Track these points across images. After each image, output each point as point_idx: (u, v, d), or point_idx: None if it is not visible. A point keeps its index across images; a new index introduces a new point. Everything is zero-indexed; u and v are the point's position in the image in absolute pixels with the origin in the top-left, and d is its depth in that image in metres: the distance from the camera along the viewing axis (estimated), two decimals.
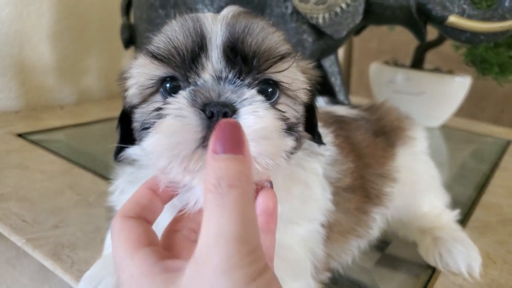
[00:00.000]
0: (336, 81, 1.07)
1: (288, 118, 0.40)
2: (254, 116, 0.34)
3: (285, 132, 0.38)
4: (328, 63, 1.06)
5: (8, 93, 1.24)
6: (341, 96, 1.08)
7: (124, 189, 0.48)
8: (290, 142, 0.38)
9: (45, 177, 0.79)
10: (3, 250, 0.63)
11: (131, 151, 0.44)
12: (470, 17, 0.88)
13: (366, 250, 0.62)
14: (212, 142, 0.29)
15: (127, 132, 0.44)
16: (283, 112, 0.39)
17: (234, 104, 0.35)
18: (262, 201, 0.36)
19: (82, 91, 1.46)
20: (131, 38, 1.09)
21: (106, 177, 0.80)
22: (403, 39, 1.39)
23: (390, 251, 0.66)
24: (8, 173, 0.79)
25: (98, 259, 0.47)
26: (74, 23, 1.38)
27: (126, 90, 0.43)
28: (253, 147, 0.34)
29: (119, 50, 1.37)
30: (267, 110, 0.35)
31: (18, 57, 1.25)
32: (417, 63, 1.40)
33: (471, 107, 1.74)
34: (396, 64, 1.47)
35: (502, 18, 0.87)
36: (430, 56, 1.43)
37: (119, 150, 0.45)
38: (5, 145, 0.94)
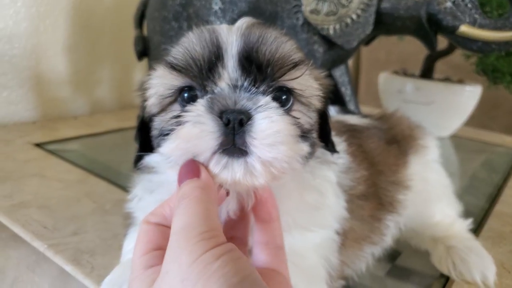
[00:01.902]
0: (346, 91, 1.08)
1: (302, 124, 0.40)
2: (268, 121, 0.35)
3: (300, 137, 0.39)
4: (338, 73, 1.07)
5: (26, 105, 1.28)
6: (351, 106, 1.08)
7: (142, 196, 0.49)
8: (305, 147, 0.39)
9: (63, 185, 0.81)
10: (23, 256, 0.65)
11: (150, 159, 0.46)
12: (481, 26, 0.88)
13: (378, 259, 0.61)
14: (178, 179, 0.36)
15: (146, 141, 0.46)
16: (297, 118, 0.40)
17: (249, 111, 0.36)
18: (256, 193, 0.39)
19: (95, 102, 1.49)
20: (145, 50, 1.12)
21: (120, 185, 0.82)
22: (411, 49, 1.39)
23: (402, 260, 0.65)
24: (28, 181, 0.81)
25: (117, 265, 0.48)
26: (88, 36, 1.41)
27: (145, 100, 0.44)
28: (268, 152, 0.35)
29: (131, 61, 1.40)
30: (281, 116, 0.36)
31: (35, 69, 1.29)
32: (427, 73, 1.39)
33: (482, 116, 1.72)
34: (405, 73, 1.46)
35: None
36: (440, 66, 1.42)
37: (139, 158, 0.47)
38: (23, 154, 0.97)
